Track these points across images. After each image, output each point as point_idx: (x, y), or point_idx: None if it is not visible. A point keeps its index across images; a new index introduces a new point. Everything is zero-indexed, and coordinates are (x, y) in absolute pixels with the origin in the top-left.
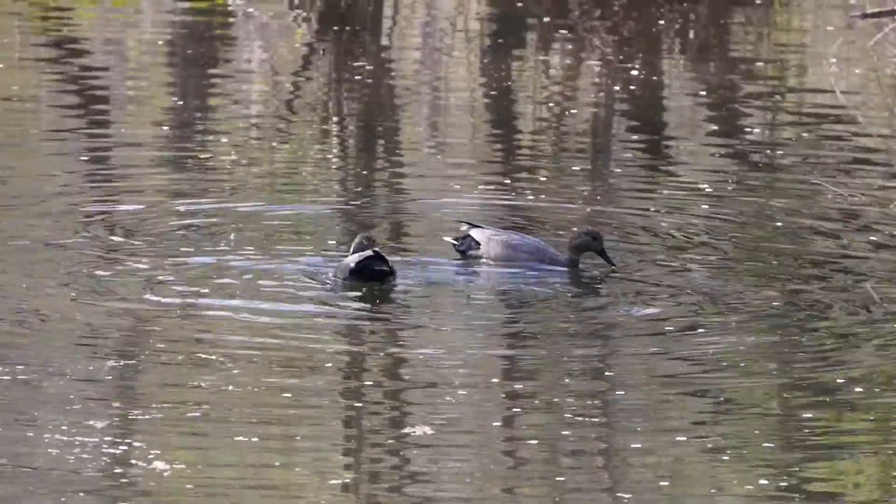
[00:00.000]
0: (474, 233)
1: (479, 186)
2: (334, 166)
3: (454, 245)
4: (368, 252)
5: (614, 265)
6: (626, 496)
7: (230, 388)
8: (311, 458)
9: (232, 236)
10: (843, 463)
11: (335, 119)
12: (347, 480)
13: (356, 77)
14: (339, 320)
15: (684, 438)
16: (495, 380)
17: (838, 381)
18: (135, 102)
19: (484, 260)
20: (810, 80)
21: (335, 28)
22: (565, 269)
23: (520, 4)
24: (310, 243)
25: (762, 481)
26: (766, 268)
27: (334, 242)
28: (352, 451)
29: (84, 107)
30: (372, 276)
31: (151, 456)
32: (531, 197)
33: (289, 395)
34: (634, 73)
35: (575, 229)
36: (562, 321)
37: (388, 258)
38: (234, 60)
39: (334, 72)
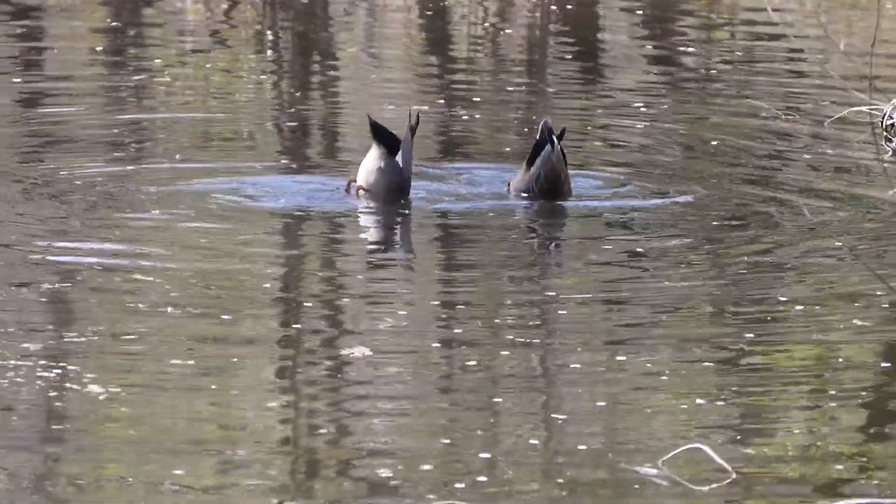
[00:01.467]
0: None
1: (415, 103)
2: (269, 83)
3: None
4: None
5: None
6: (561, 416)
7: (168, 309)
8: (247, 382)
9: (177, 157)
10: (780, 386)
11: (269, 36)
12: (285, 403)
13: (290, 1)
14: (282, 243)
15: (623, 358)
16: (435, 302)
17: (774, 301)
18: (68, 17)
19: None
20: (744, 1)
21: None
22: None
23: None
24: (247, 158)
25: (699, 401)
26: (701, 186)
27: (261, 160)
28: (289, 372)
29: (14, 19)
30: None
31: (86, 380)
32: (465, 114)
33: (227, 316)
34: None
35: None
36: (506, 248)
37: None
38: None
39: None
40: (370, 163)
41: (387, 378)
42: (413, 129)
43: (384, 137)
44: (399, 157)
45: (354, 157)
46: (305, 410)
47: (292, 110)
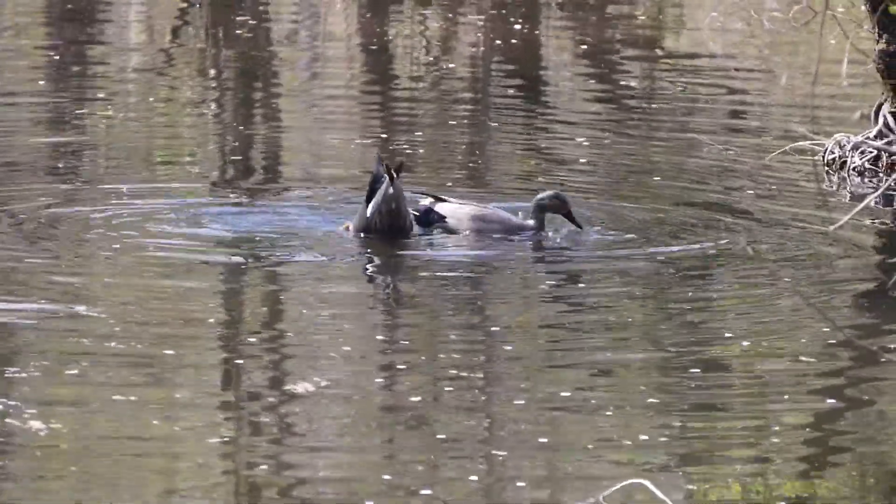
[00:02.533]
0: (439, 207)
1: (356, 140)
2: (211, 121)
3: (415, 216)
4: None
5: (580, 226)
6: (502, 453)
7: (112, 344)
8: (190, 419)
9: (125, 190)
10: (721, 419)
11: (212, 73)
12: (226, 438)
13: (233, 32)
14: (236, 280)
15: (567, 394)
16: (378, 336)
17: (717, 338)
18: (12, 57)
19: (453, 232)
20: (687, 34)
21: None
22: (534, 232)
23: None
24: (188, 185)
25: (642, 437)
26: (643, 219)
27: (206, 196)
28: (232, 408)
29: None
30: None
31: (27, 415)
32: (406, 145)
33: (170, 351)
34: (512, 27)
35: (539, 192)
36: (447, 282)
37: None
38: (111, 14)
39: (210, 28)
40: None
41: (329, 413)
42: (391, 174)
43: (372, 184)
44: (370, 206)
45: (295, 184)
46: (247, 444)
47: (234, 140)
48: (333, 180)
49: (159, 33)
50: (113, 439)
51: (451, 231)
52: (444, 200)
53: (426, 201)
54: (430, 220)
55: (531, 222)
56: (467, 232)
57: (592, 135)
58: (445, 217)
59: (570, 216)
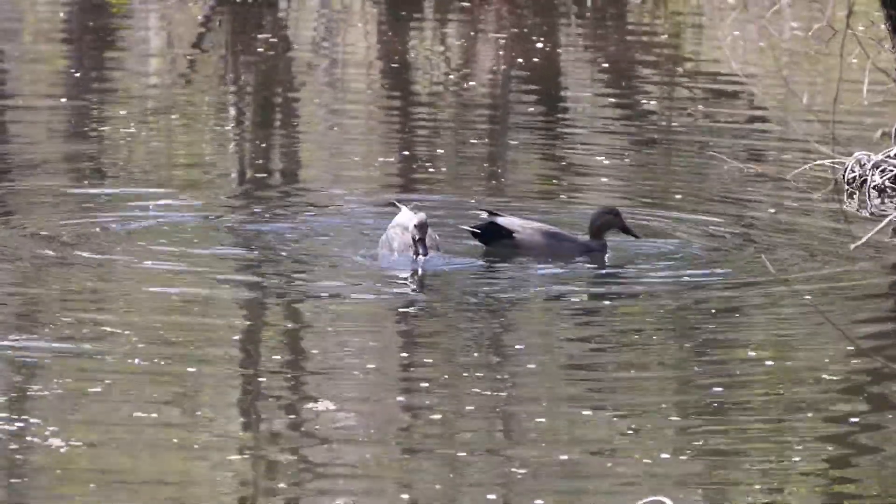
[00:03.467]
0: (501, 221)
1: (379, 158)
2: (232, 141)
3: (474, 233)
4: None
5: (637, 236)
6: (521, 471)
7: (136, 360)
8: (209, 438)
9: (150, 206)
10: (742, 438)
11: (232, 93)
12: (247, 457)
13: (253, 50)
14: (277, 297)
15: (588, 413)
16: (400, 356)
17: (738, 356)
18: (32, 71)
19: (520, 248)
20: (706, 52)
21: (232, 1)
22: (599, 252)
23: None
24: (211, 207)
25: (663, 455)
26: (667, 241)
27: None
28: (252, 425)
29: None
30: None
31: (48, 433)
32: (431, 169)
33: (191, 368)
34: (532, 44)
35: (592, 212)
36: (467, 307)
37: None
38: (132, 35)
39: (231, 45)
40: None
41: (349, 432)
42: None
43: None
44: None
45: (315, 199)
46: (266, 464)
47: (255, 156)
48: (352, 196)
49: (179, 50)
50: (131, 460)
51: (519, 247)
52: (499, 214)
53: (483, 215)
54: (494, 234)
55: (593, 242)
56: (537, 249)
57: (613, 153)
58: (513, 232)
59: (625, 228)
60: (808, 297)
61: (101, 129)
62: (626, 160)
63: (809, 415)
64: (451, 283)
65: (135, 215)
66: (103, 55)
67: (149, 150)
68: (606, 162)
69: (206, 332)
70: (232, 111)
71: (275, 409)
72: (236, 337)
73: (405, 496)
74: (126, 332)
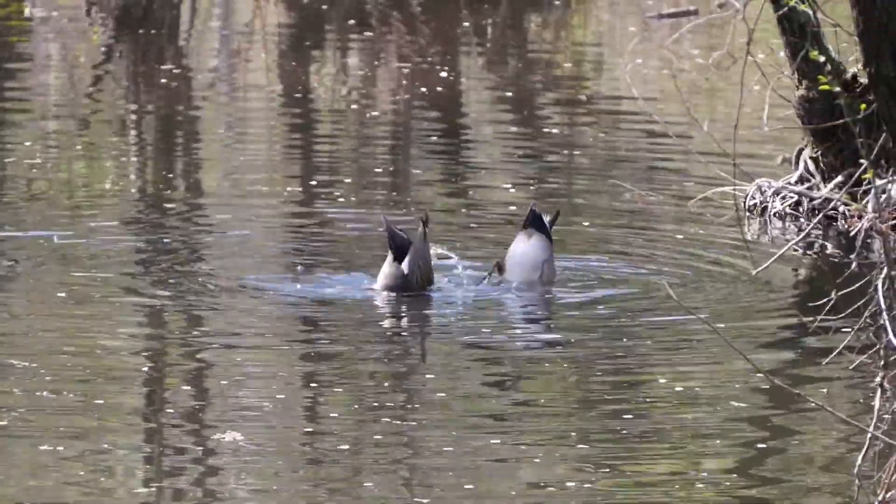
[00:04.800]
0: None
1: (284, 193)
2: (131, 174)
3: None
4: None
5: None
6: (425, 500)
7: (43, 393)
8: (115, 469)
9: (55, 237)
10: (646, 464)
11: (131, 125)
12: (154, 488)
13: (154, 80)
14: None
15: (497, 441)
16: (306, 383)
17: (640, 383)
18: None
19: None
20: (606, 80)
21: (133, 31)
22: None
23: (324, 7)
24: (102, 263)
25: (569, 483)
26: (568, 266)
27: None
28: (156, 456)
29: None
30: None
31: None
32: (334, 203)
33: (99, 401)
34: (434, 74)
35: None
36: (371, 335)
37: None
38: (30, 63)
39: (131, 76)
40: (384, 267)
41: (255, 462)
42: (424, 232)
43: (395, 242)
44: (405, 263)
45: (213, 237)
46: (171, 496)
47: (156, 186)
48: (252, 225)
49: (79, 81)
50: (34, 487)
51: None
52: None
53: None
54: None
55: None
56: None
57: (517, 181)
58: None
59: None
60: (710, 322)
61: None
62: (532, 188)
63: (711, 440)
64: (349, 309)
65: (41, 249)
66: (1, 83)
67: (50, 179)
68: (512, 190)
69: (108, 360)
70: (131, 146)
71: (180, 436)
72: (141, 365)
73: None
74: (27, 357)
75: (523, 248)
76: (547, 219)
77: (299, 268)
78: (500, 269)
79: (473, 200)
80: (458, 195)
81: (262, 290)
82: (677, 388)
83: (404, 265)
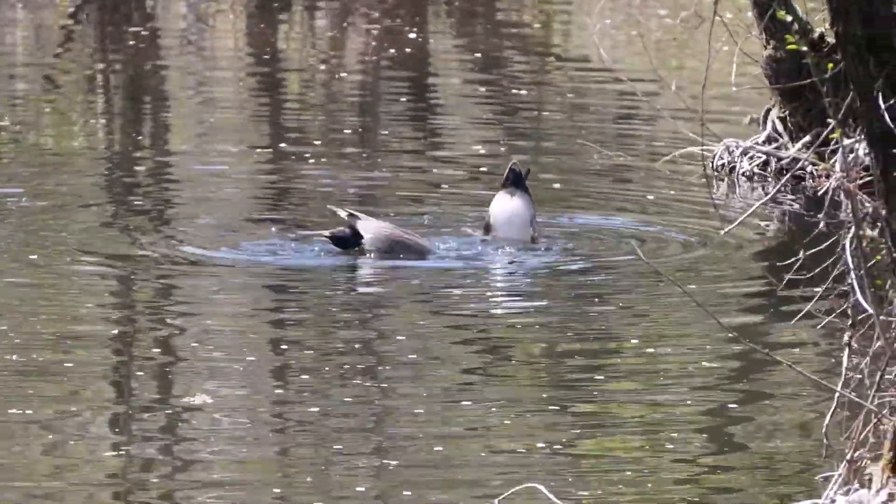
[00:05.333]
0: (360, 224)
1: (253, 159)
2: (100, 136)
3: (332, 238)
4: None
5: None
6: (394, 462)
7: (12, 357)
8: (83, 435)
9: (24, 200)
10: (615, 424)
11: (99, 91)
12: (121, 453)
13: (121, 45)
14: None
15: (467, 403)
16: (275, 350)
17: (610, 343)
18: None
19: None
20: (574, 41)
21: None
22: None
23: None
24: (86, 199)
25: (539, 444)
26: (541, 230)
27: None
28: (123, 421)
29: None
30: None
31: None
32: (304, 165)
33: (69, 364)
34: (403, 36)
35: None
36: (342, 300)
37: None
38: None
39: (98, 41)
40: (526, 211)
41: (224, 426)
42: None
43: (524, 186)
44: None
45: (183, 198)
46: (140, 461)
47: (124, 152)
48: (222, 185)
49: (46, 48)
50: (3, 454)
51: (370, 252)
52: (358, 217)
53: (343, 214)
54: (349, 240)
55: (434, 247)
56: (386, 254)
57: (487, 141)
58: (363, 238)
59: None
60: (679, 284)
61: None
62: (502, 149)
63: (680, 398)
64: (323, 281)
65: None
66: None
67: (15, 142)
68: (481, 150)
69: (76, 327)
70: (99, 111)
71: (148, 404)
72: (109, 330)
73: (277, 490)
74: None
75: (512, 208)
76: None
77: (272, 229)
78: (487, 228)
79: (443, 159)
80: (427, 155)
81: (234, 252)
82: (647, 350)
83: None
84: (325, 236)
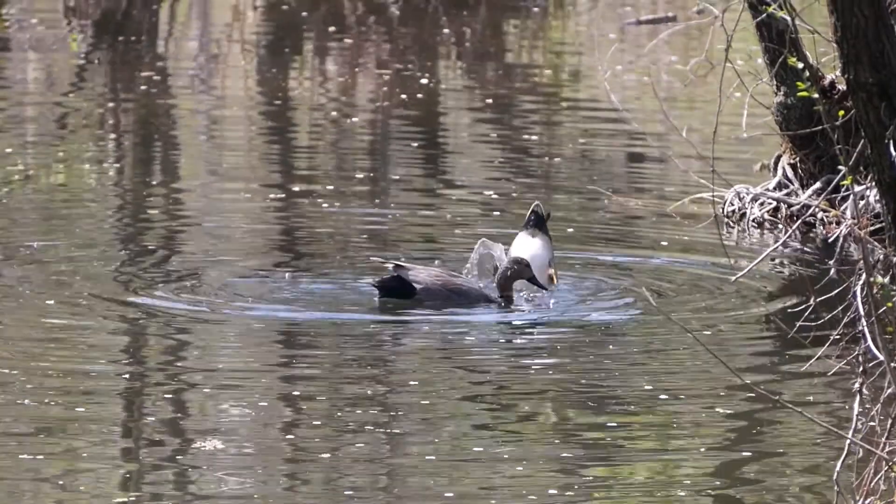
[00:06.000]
0: (410, 274)
1: (265, 201)
2: (110, 183)
3: (380, 287)
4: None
5: (545, 289)
6: None
7: (24, 402)
8: (92, 478)
9: (35, 245)
10: (628, 468)
11: (111, 132)
12: (133, 498)
13: (133, 87)
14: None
15: (479, 448)
16: (285, 393)
17: (623, 389)
18: None
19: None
20: (586, 87)
21: (111, 38)
22: (500, 305)
23: (303, 14)
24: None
25: (550, 490)
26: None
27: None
28: (135, 467)
29: None
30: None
31: None
32: (314, 209)
33: (81, 409)
34: (414, 80)
35: (499, 266)
36: (346, 341)
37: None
38: (9, 70)
39: (110, 83)
40: (545, 252)
41: (236, 468)
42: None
43: (545, 228)
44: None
45: (195, 242)
46: (150, 496)
47: (136, 197)
48: (234, 230)
49: (58, 89)
50: (11, 497)
51: (423, 300)
52: (404, 266)
53: (389, 266)
54: (398, 289)
55: (494, 294)
56: (440, 302)
57: (498, 188)
58: (416, 287)
59: (533, 280)
60: (690, 330)
61: None
62: (514, 195)
63: (691, 445)
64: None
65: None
66: None
67: (28, 186)
68: (495, 196)
69: (85, 369)
70: (110, 154)
71: (161, 444)
72: (117, 375)
73: None
74: (10, 371)
75: (532, 249)
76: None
77: (286, 275)
78: (496, 269)
79: (454, 200)
80: (438, 195)
81: (246, 297)
82: (660, 396)
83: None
84: (373, 284)
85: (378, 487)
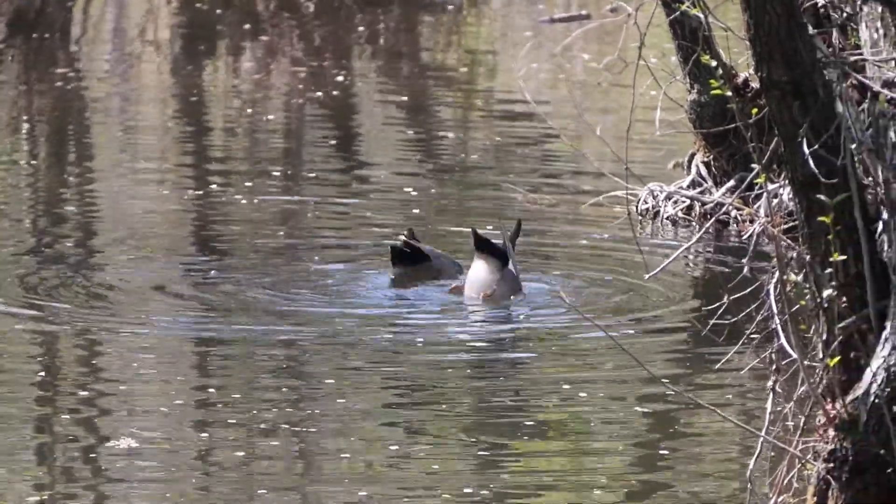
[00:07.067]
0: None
1: (180, 195)
2: (23, 180)
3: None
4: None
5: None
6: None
7: None
8: (3, 479)
9: None
10: (542, 470)
11: (23, 129)
12: (45, 498)
13: (46, 85)
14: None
15: (395, 447)
16: (200, 392)
17: (536, 389)
18: None
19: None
20: (499, 84)
21: (24, 35)
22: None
23: (217, 12)
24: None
25: (466, 489)
26: (463, 270)
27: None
28: (48, 463)
29: None
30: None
31: None
32: (227, 204)
33: None
34: (329, 77)
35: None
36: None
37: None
38: None
39: (23, 80)
40: (485, 274)
41: (148, 469)
42: (513, 239)
43: (490, 249)
44: (511, 266)
45: (109, 244)
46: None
47: (47, 197)
48: (149, 232)
49: None
50: None
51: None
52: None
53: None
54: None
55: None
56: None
57: (415, 184)
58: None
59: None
60: (604, 328)
61: None
62: (433, 191)
63: (612, 447)
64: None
65: None
66: None
67: None
68: (412, 192)
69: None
70: (23, 151)
71: (73, 446)
72: (34, 370)
73: None
74: None
75: (471, 273)
76: (509, 233)
77: (212, 272)
78: (460, 291)
79: (368, 198)
80: (353, 194)
81: (162, 297)
82: (575, 396)
83: (511, 268)
84: (391, 254)
85: (292, 487)
